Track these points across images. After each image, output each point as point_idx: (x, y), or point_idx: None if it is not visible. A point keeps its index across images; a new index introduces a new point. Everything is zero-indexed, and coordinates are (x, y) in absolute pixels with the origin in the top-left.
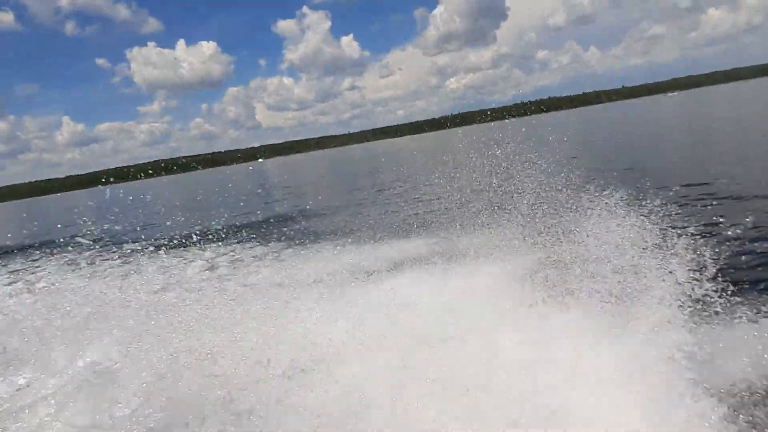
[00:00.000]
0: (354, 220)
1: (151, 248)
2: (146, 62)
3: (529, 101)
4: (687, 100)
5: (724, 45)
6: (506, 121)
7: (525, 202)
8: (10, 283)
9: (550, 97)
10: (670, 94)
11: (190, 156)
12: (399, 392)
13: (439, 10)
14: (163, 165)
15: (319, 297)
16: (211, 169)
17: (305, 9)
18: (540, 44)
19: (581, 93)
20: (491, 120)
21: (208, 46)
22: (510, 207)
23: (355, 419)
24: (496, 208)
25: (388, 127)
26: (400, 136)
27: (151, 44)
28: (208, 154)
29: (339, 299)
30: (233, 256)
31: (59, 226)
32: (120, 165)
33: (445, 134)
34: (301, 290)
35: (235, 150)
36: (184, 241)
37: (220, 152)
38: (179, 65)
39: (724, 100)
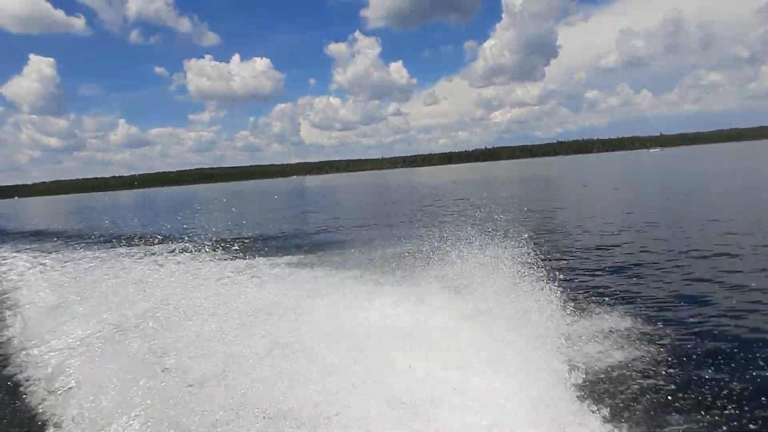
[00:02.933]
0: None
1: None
2: (201, 73)
3: (557, 142)
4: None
5: None
6: (539, 158)
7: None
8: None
9: (582, 139)
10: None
11: (223, 168)
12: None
13: (489, 44)
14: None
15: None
16: (250, 181)
17: (357, 33)
18: (589, 84)
19: (615, 137)
20: (525, 156)
21: (261, 62)
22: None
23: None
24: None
25: (417, 155)
26: (430, 165)
27: (207, 57)
28: (242, 167)
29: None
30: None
31: (106, 221)
32: (167, 169)
33: (470, 168)
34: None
35: (270, 165)
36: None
37: (256, 165)
38: (232, 78)
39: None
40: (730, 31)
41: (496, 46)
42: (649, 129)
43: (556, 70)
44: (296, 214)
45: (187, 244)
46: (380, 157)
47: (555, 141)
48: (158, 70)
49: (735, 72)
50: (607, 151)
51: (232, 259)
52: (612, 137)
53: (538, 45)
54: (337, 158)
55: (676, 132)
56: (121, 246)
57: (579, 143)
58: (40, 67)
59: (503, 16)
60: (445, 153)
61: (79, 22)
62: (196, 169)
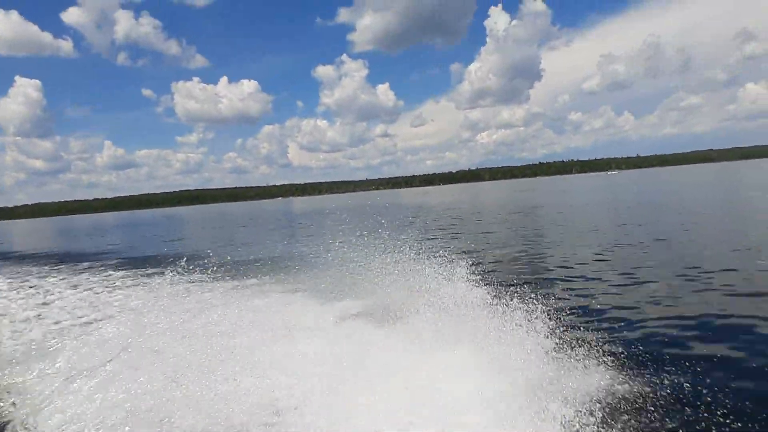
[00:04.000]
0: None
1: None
2: (189, 95)
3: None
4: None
5: (764, 120)
6: (520, 179)
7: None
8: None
9: (561, 161)
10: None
11: (208, 189)
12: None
13: (475, 66)
14: (190, 194)
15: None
16: (234, 203)
17: (344, 57)
18: (573, 106)
19: (593, 159)
20: (507, 177)
21: (249, 85)
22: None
23: None
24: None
25: (400, 177)
26: (412, 186)
27: (195, 79)
28: (226, 188)
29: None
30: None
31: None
32: (154, 191)
33: (451, 189)
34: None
35: (254, 187)
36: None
37: (239, 187)
38: (220, 100)
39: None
40: (708, 55)
41: (482, 69)
42: (631, 150)
43: (540, 93)
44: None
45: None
46: (365, 179)
47: (538, 162)
48: (146, 92)
49: (714, 94)
50: (585, 172)
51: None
52: (593, 158)
53: (522, 69)
54: (325, 180)
55: (655, 153)
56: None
57: (558, 165)
58: (26, 90)
59: (488, 40)
60: (428, 174)
61: (66, 45)
62: (181, 191)
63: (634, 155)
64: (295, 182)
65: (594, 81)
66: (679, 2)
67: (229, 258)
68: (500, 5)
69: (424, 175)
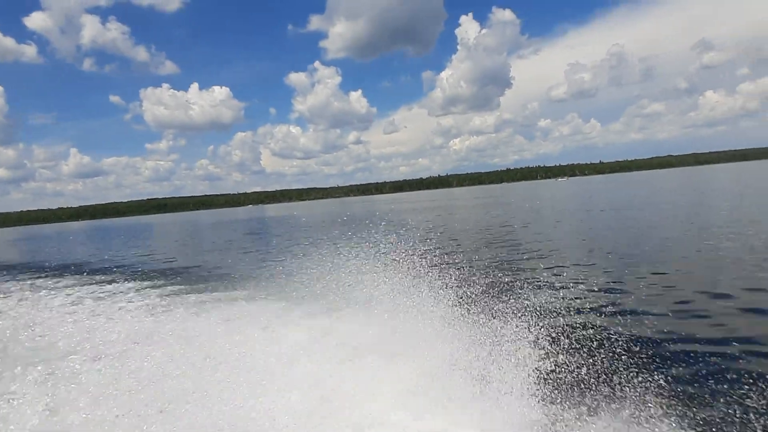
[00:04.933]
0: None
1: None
2: (158, 102)
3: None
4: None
5: (723, 126)
6: (486, 186)
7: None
8: None
9: (527, 167)
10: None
11: (177, 197)
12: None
13: (446, 74)
14: (158, 202)
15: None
16: (203, 210)
17: (317, 63)
18: (542, 114)
19: (558, 165)
20: (475, 183)
21: (220, 91)
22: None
23: None
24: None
25: (370, 184)
26: (382, 193)
27: (165, 85)
28: (195, 196)
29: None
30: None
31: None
32: (122, 200)
33: (417, 195)
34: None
35: (224, 194)
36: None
37: (207, 195)
38: (190, 107)
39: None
40: (669, 64)
41: (453, 76)
42: (598, 156)
43: (510, 100)
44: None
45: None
46: (336, 186)
47: (506, 169)
48: (113, 98)
49: (675, 102)
50: (549, 177)
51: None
52: (558, 164)
53: (493, 76)
54: (299, 186)
55: (620, 159)
56: None
57: (524, 171)
58: None
59: (458, 48)
60: (398, 181)
61: (30, 50)
62: (148, 199)
63: (597, 161)
64: (268, 189)
65: (562, 89)
66: (641, 13)
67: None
68: (470, 14)
69: (394, 181)
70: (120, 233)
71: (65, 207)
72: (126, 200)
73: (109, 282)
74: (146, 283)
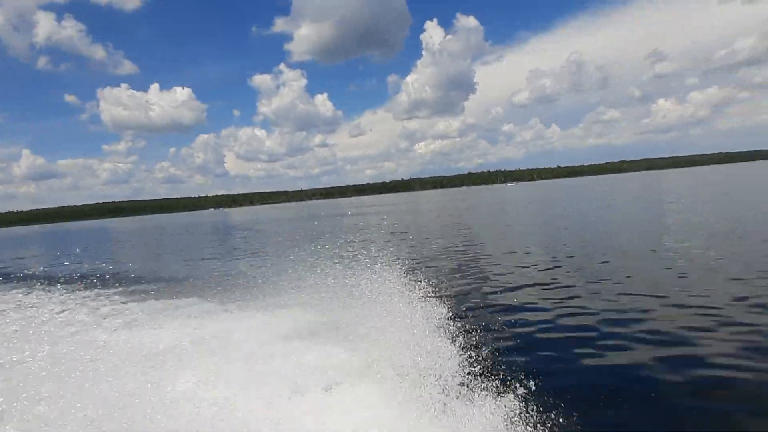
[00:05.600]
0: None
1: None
2: (116, 102)
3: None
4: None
5: (674, 133)
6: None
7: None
8: None
9: (487, 171)
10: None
11: (135, 201)
12: None
13: (411, 78)
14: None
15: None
16: (163, 214)
17: (282, 66)
18: (505, 118)
19: (517, 169)
20: (437, 187)
21: (182, 92)
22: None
23: None
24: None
25: (333, 188)
26: (344, 196)
27: (124, 85)
28: (154, 200)
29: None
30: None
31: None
32: (79, 203)
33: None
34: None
35: (184, 198)
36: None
37: (166, 199)
38: (150, 107)
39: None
40: (625, 73)
41: (418, 81)
42: (560, 161)
43: (474, 105)
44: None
45: None
46: (299, 189)
47: (467, 173)
48: (69, 98)
49: (630, 109)
50: (508, 181)
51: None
52: (517, 169)
53: (457, 81)
54: (264, 190)
55: (580, 163)
56: None
57: (485, 175)
58: None
59: (424, 53)
60: (361, 185)
61: None
62: (104, 202)
63: (554, 166)
64: (233, 192)
65: (524, 95)
66: (598, 23)
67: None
68: (435, 20)
69: (357, 185)
70: (69, 238)
71: (16, 211)
72: (81, 203)
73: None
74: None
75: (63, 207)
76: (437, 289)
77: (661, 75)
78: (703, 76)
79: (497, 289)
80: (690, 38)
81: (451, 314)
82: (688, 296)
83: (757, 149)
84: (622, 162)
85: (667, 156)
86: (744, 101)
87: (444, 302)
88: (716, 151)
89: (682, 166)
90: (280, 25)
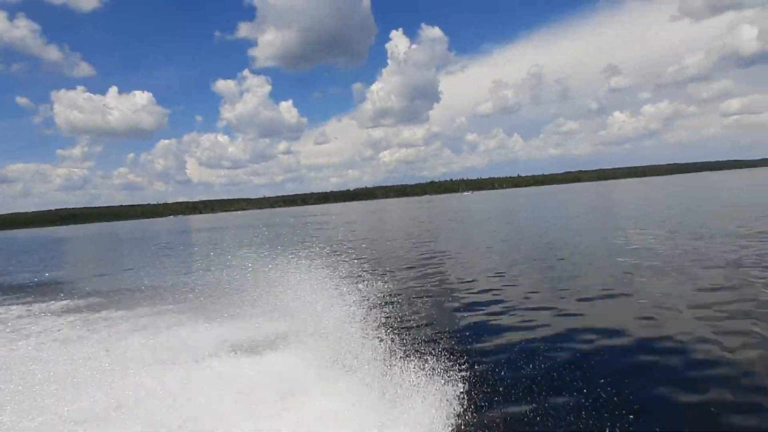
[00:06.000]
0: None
1: None
2: (72, 105)
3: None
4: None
5: (628, 144)
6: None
7: None
8: None
9: (449, 180)
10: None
11: (90, 207)
12: None
13: (376, 87)
14: (67, 212)
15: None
16: (125, 221)
17: (246, 72)
18: (469, 128)
19: (478, 178)
20: (399, 195)
21: (142, 96)
22: None
23: None
24: None
25: (296, 195)
26: (306, 204)
27: (80, 88)
28: (107, 207)
29: None
30: None
31: None
32: (28, 209)
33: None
34: None
35: (139, 205)
36: None
37: (122, 205)
38: (108, 111)
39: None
40: (582, 86)
41: (383, 89)
42: (522, 170)
43: (439, 114)
44: None
45: None
46: (262, 197)
47: (430, 181)
48: (21, 100)
49: (587, 121)
50: (470, 190)
51: None
52: (478, 178)
53: (422, 90)
54: (227, 197)
55: (541, 173)
56: None
57: (447, 184)
58: None
59: (389, 62)
60: (323, 192)
61: None
62: (57, 209)
63: (515, 175)
64: (195, 199)
65: (487, 105)
66: (557, 37)
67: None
68: (400, 30)
69: (320, 193)
70: (8, 247)
71: None
72: (32, 210)
73: None
74: None
75: (12, 214)
76: (373, 288)
77: (616, 89)
78: (655, 90)
79: (441, 290)
80: (643, 54)
81: (382, 312)
82: (614, 296)
83: (702, 161)
84: (579, 172)
85: (621, 166)
86: (692, 115)
87: (381, 299)
88: (665, 163)
89: (634, 177)
90: (244, 30)
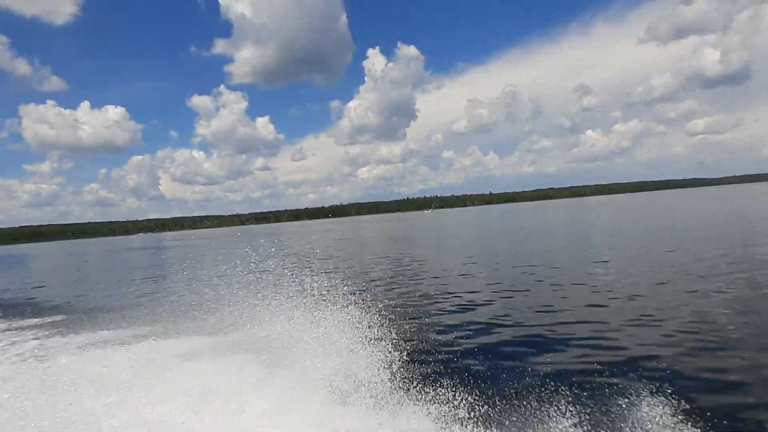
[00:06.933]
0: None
1: None
2: (41, 120)
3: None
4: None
5: (600, 162)
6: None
7: None
8: None
9: (422, 197)
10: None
11: (57, 225)
12: None
13: (354, 104)
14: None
15: None
16: (93, 239)
17: (222, 88)
18: (446, 145)
19: (451, 195)
20: (372, 212)
21: (115, 111)
22: None
23: None
24: None
25: (269, 212)
26: (279, 221)
27: (50, 102)
28: (74, 224)
29: None
30: None
31: None
32: None
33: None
34: None
35: (109, 222)
36: None
37: (90, 223)
38: (79, 126)
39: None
40: (555, 104)
41: (361, 106)
42: (497, 187)
43: (415, 131)
44: None
45: None
46: (234, 214)
47: (404, 198)
48: None
49: (561, 139)
50: (443, 207)
51: None
52: (451, 195)
53: (399, 108)
54: (202, 213)
55: (513, 190)
56: None
57: (420, 201)
58: None
59: (366, 79)
60: (297, 209)
61: None
62: (21, 226)
63: (487, 192)
64: (168, 216)
65: (463, 123)
66: (531, 56)
67: None
68: (377, 48)
69: (293, 210)
70: None
71: None
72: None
73: None
74: None
75: None
76: (328, 301)
77: (588, 108)
78: (625, 109)
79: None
80: (612, 74)
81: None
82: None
83: (668, 179)
84: (550, 189)
85: (592, 184)
86: (660, 134)
87: (334, 311)
88: (634, 180)
89: (603, 194)
90: (220, 46)
